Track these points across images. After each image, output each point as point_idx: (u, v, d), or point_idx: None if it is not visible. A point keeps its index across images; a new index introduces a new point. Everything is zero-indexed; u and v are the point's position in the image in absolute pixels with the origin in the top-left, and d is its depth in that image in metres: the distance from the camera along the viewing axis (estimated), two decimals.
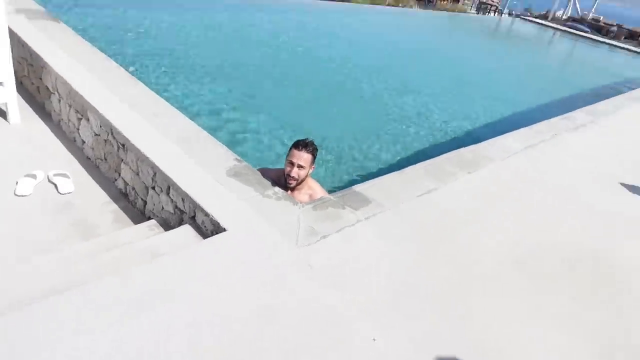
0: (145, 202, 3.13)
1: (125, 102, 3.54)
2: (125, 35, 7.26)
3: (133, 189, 3.23)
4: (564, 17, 24.64)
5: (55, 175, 3.32)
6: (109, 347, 1.69)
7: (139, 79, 4.14)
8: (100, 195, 3.33)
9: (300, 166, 2.92)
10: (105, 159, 3.47)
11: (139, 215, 3.18)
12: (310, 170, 3.03)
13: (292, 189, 3.01)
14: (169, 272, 2.10)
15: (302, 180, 2.99)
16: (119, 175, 3.35)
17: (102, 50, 4.57)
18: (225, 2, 12.07)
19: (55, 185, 3.26)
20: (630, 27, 23.90)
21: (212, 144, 3.24)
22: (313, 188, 3.08)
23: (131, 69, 5.48)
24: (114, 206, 3.24)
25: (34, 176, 3.25)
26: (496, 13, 25.99)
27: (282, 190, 2.89)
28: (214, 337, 1.82)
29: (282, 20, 11.75)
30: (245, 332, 1.88)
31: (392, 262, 2.52)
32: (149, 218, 3.07)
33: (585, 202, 3.82)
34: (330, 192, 3.17)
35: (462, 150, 4.20)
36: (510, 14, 25.95)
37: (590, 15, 25.17)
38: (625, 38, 21.81)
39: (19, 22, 4.66)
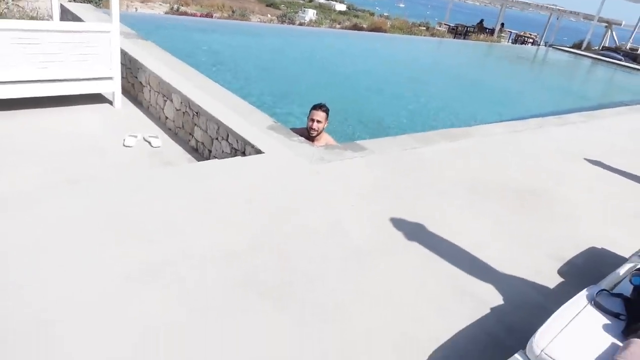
0: (210, 151, 4.49)
1: (198, 87, 4.99)
2: (194, 50, 9.15)
3: (202, 144, 4.61)
4: (601, 47, 25.27)
5: (149, 136, 4.77)
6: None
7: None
8: (179, 150, 4.74)
9: (318, 121, 4.22)
10: (183, 127, 4.90)
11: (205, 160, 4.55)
12: (325, 125, 4.32)
13: (313, 139, 4.30)
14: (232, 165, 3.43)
15: (320, 132, 4.27)
16: (192, 136, 4.76)
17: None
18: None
19: (149, 142, 4.70)
20: None
21: (258, 113, 4.60)
22: (327, 139, 4.36)
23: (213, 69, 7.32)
24: (189, 156, 4.64)
25: (135, 136, 4.71)
26: (533, 44, 27.01)
27: (304, 138, 4.17)
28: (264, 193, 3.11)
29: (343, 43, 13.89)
30: (286, 198, 3.15)
31: (374, 177, 3.72)
32: None
33: (541, 164, 4.84)
34: (340, 143, 4.42)
35: (450, 129, 5.36)
36: (545, 45, 26.84)
37: (628, 46, 25.69)
38: None
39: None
